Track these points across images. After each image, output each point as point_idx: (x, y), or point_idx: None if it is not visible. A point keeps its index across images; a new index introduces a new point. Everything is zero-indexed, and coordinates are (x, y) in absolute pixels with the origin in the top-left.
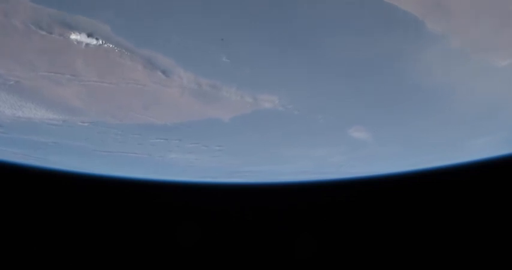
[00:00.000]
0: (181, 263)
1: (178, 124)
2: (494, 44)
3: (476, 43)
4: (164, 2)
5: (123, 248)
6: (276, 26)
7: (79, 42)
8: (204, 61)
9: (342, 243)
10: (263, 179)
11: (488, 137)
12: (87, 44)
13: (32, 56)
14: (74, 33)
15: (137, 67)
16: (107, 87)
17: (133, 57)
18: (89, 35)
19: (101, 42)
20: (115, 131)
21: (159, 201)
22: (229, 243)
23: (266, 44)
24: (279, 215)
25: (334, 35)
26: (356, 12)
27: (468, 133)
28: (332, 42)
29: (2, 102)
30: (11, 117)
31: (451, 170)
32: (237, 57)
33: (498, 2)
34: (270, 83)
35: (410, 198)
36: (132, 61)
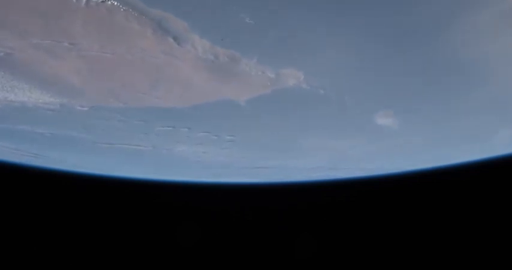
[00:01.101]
0: (181, 263)
1: (188, 108)
2: None
3: None
4: None
5: (123, 248)
6: None
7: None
8: (223, 24)
9: (345, 244)
10: (273, 178)
11: None
12: (87, 2)
13: (23, 19)
14: None
15: (146, 32)
16: (110, 60)
17: (141, 19)
18: None
19: None
20: (118, 116)
21: (159, 201)
22: (229, 244)
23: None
24: (279, 215)
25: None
26: None
27: (498, 123)
28: (373, 7)
29: None
30: (2, 102)
31: (472, 166)
32: (263, 17)
33: None
34: (296, 54)
35: (426, 197)
36: (140, 25)
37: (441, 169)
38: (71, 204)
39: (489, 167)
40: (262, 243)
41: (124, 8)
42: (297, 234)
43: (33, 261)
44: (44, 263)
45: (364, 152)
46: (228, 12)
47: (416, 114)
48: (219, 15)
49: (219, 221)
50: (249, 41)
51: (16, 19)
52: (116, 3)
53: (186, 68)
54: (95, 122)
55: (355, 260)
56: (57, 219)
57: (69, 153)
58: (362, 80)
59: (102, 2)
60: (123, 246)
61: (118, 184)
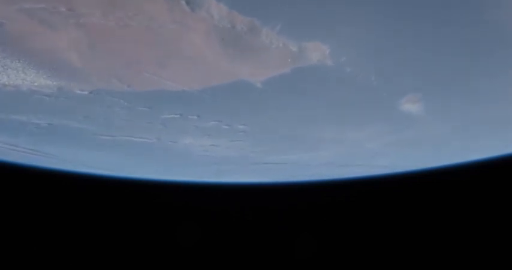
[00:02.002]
0: (181, 263)
1: (198, 91)
2: None
3: None
4: None
5: (123, 249)
6: None
7: None
8: None
9: (348, 246)
10: (280, 176)
11: None
12: None
13: None
14: None
15: None
16: (113, 31)
17: None
18: None
19: None
20: (120, 102)
21: (159, 201)
22: (229, 244)
23: None
24: (279, 215)
25: None
26: None
27: None
28: None
29: None
30: None
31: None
32: None
33: None
34: (324, 24)
35: (438, 198)
36: None
37: (458, 167)
38: (70, 205)
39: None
40: (263, 244)
41: None
42: (298, 235)
43: (32, 263)
44: (43, 264)
45: (381, 144)
46: None
47: (446, 100)
48: None
49: (219, 221)
50: (271, 7)
51: None
52: None
53: (199, 41)
54: (96, 110)
55: (359, 261)
56: (56, 220)
57: (68, 148)
58: (392, 58)
59: None
60: (123, 246)
61: (118, 184)
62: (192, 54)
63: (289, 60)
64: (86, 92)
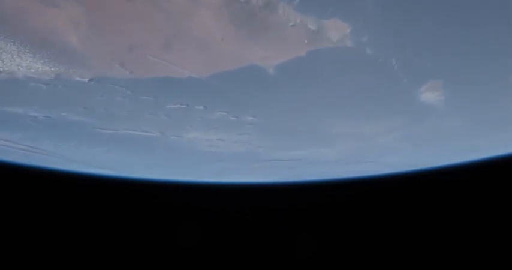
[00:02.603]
0: (181, 263)
1: (207, 77)
2: None
3: None
4: None
5: (123, 249)
6: None
7: None
8: None
9: (348, 246)
10: (287, 174)
11: None
12: None
13: None
14: None
15: None
16: (116, 7)
17: None
18: None
19: None
20: (123, 91)
21: (159, 201)
22: (230, 244)
23: None
24: (279, 215)
25: None
26: None
27: None
28: None
29: None
30: None
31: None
32: None
33: None
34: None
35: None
36: None
37: (462, 166)
38: (70, 205)
39: None
40: (263, 244)
41: None
42: (298, 235)
43: (31, 264)
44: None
45: (393, 139)
46: None
47: (469, 90)
48: None
49: (219, 222)
50: None
51: None
52: None
53: (209, 19)
54: (97, 99)
55: (359, 262)
56: (57, 220)
57: (67, 145)
58: (417, 39)
59: None
60: (123, 247)
61: (118, 184)
62: (201, 35)
63: (306, 41)
64: (85, 79)
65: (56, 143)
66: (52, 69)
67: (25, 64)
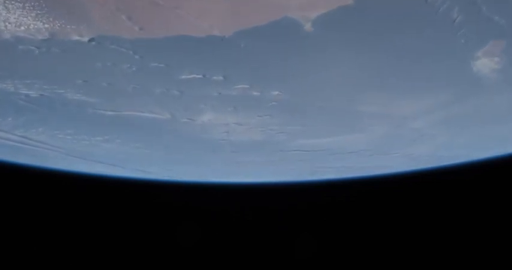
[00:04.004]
0: (181, 263)
1: (231, 36)
2: None
3: None
4: None
5: (123, 249)
6: None
7: None
8: None
9: (349, 247)
10: (303, 171)
11: None
12: None
13: None
14: None
15: None
16: None
17: None
18: None
19: None
20: (129, 55)
21: (159, 201)
22: (230, 244)
23: None
24: (279, 215)
25: None
26: None
27: None
28: None
29: None
30: None
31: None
32: None
33: None
34: None
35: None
36: None
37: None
38: (70, 206)
39: None
40: (263, 244)
41: None
42: (298, 235)
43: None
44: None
45: (431, 122)
46: None
47: None
48: None
49: (219, 222)
50: None
51: None
52: None
53: None
54: (98, 69)
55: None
56: (57, 220)
57: (64, 133)
58: None
59: None
60: (123, 247)
61: (118, 185)
62: None
63: None
64: (85, 39)
65: (52, 131)
66: (46, 25)
67: (14, 19)
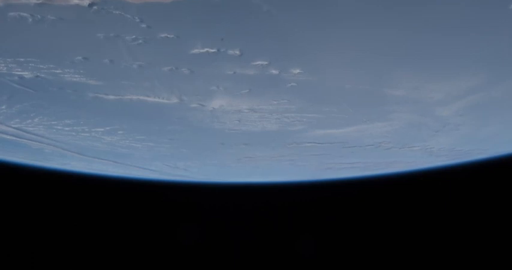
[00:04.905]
0: (181, 263)
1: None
2: None
3: None
4: None
5: (123, 249)
6: None
7: None
8: None
9: (349, 247)
10: (313, 168)
11: None
12: None
13: None
14: None
15: None
16: None
17: None
18: None
19: None
20: (135, 23)
21: (159, 201)
22: (230, 244)
23: None
24: (279, 215)
25: None
26: None
27: None
28: None
29: None
30: None
31: None
32: None
33: None
34: None
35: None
36: None
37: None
38: (71, 206)
39: None
40: (263, 244)
41: None
42: (298, 236)
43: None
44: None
45: (459, 110)
46: None
47: None
48: None
49: (219, 222)
50: None
51: None
52: None
53: None
54: (99, 44)
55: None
56: (57, 220)
57: (62, 124)
58: None
59: None
60: (123, 247)
61: (118, 185)
62: None
63: None
64: (85, 3)
65: (50, 122)
66: None
67: None
